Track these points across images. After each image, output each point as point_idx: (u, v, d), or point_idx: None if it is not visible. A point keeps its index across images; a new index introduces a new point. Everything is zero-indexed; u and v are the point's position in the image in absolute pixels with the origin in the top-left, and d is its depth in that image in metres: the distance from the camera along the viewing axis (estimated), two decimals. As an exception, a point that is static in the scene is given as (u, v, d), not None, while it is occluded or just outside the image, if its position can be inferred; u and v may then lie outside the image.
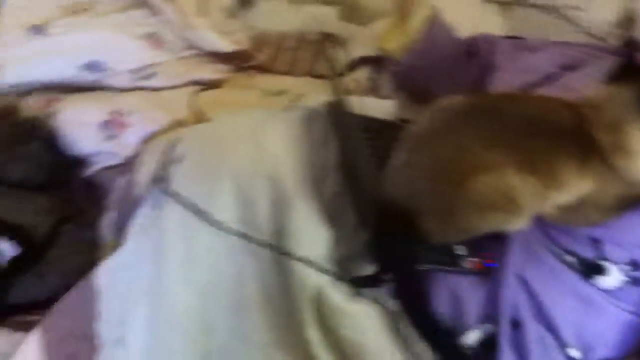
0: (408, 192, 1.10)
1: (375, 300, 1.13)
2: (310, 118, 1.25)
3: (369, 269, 1.14)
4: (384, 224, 1.07)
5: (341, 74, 1.33)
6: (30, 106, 1.63)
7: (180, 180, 1.17)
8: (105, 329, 1.15)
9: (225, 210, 1.13)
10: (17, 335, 1.27)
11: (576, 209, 1.09)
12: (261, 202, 1.13)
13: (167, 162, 1.22)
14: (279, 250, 1.12)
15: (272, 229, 1.13)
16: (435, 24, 1.64)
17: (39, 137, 1.52)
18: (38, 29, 1.65)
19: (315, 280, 1.09)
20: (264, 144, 1.17)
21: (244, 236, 1.13)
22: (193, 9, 1.73)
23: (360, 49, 1.77)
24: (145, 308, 1.14)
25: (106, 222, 1.43)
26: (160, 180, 1.19)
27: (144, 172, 1.32)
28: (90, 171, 1.57)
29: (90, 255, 1.41)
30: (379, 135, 1.28)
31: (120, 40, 1.67)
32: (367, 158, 1.09)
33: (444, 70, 1.58)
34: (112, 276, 1.17)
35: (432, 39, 1.61)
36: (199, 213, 1.13)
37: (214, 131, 1.25)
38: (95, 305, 1.17)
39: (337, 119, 1.23)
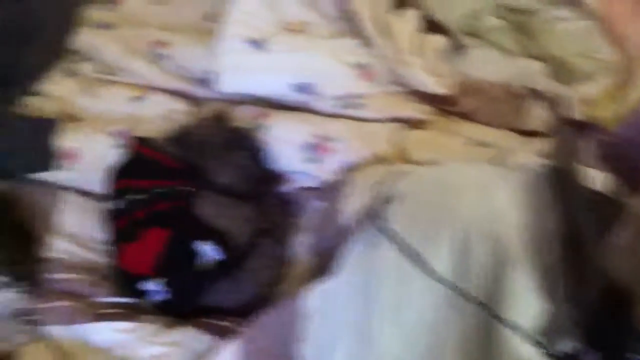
0: (630, 276, 1.06)
1: None
2: (536, 181, 1.22)
3: (568, 346, 1.10)
4: (599, 303, 1.03)
5: (567, 136, 1.31)
6: (241, 116, 1.70)
7: (399, 220, 1.17)
8: (309, 352, 1.16)
9: (441, 258, 1.12)
10: (207, 337, 1.31)
11: None
12: (479, 258, 1.11)
13: (383, 199, 1.23)
14: (489, 311, 1.10)
15: (485, 288, 1.11)
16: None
17: (248, 147, 1.58)
18: (258, 44, 1.71)
19: (523, 350, 1.06)
20: (492, 199, 1.15)
21: (454, 289, 1.11)
22: (408, 47, 1.76)
23: (564, 110, 1.74)
24: (349, 342, 1.14)
25: (300, 242, 1.47)
26: (375, 216, 1.20)
27: (353, 204, 1.34)
28: (286, 188, 1.61)
29: (279, 271, 1.46)
30: (595, 208, 1.24)
31: (332, 66, 1.71)
32: (591, 232, 1.06)
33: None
34: (322, 301, 1.19)
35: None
36: (414, 257, 1.12)
37: (441, 176, 1.24)
38: (300, 326, 1.19)
39: (561, 186, 1.21)
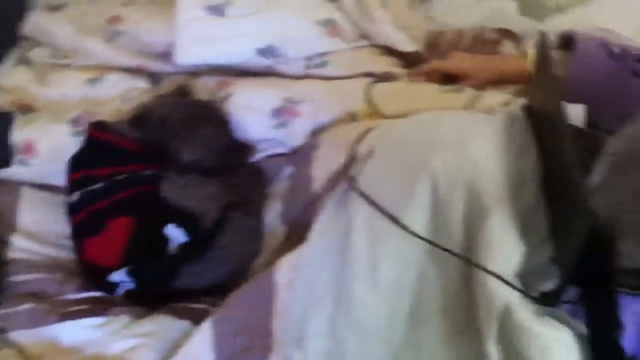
0: (609, 212, 1.00)
1: (562, 321, 1.03)
2: (510, 124, 1.16)
3: (550, 285, 1.04)
4: (581, 241, 0.97)
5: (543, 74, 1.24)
6: (203, 87, 1.62)
7: (370, 179, 1.11)
8: (283, 327, 1.10)
9: (417, 214, 1.06)
10: (183, 322, 1.25)
11: None
12: (455, 210, 1.06)
13: (354, 159, 1.16)
14: (468, 261, 1.04)
15: (463, 238, 1.06)
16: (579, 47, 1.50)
17: (213, 119, 1.50)
18: (217, 9, 1.62)
19: (504, 296, 1.00)
20: (466, 149, 1.08)
21: (432, 243, 1.05)
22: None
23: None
24: (327, 309, 1.08)
25: (272, 212, 1.40)
26: (346, 177, 1.13)
27: (324, 167, 1.27)
28: (256, 158, 1.54)
29: (254, 244, 1.39)
30: (576, 144, 1.18)
31: (297, 26, 1.63)
32: (571, 169, 0.99)
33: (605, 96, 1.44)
34: (294, 273, 1.13)
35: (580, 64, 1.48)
36: (388, 214, 1.06)
37: (412, 129, 1.18)
38: (274, 301, 1.13)
39: (538, 125, 1.14)
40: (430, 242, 1.05)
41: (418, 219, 1.06)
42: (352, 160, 1.16)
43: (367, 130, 1.23)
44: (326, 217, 1.13)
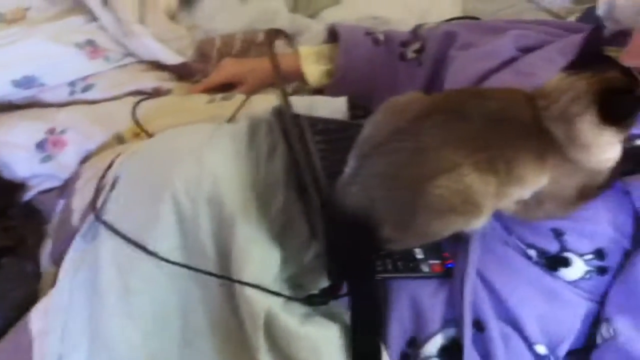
0: (363, 202, 1.01)
1: (333, 317, 1.05)
2: (255, 129, 1.16)
3: (322, 283, 1.06)
4: (337, 235, 0.98)
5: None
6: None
7: (114, 207, 1.08)
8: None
9: (164, 238, 1.04)
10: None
11: (536, 203, 1.03)
12: (203, 226, 1.05)
13: (102, 187, 1.12)
14: (224, 276, 1.03)
15: (217, 253, 1.05)
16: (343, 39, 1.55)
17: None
18: (-37, 46, 1.53)
19: (265, 304, 1.01)
20: (205, 164, 1.07)
21: (180, 264, 1.04)
22: (133, 14, 1.62)
23: (309, 44, 1.68)
24: (84, 350, 1.05)
25: (44, 252, 1.34)
26: (94, 207, 1.09)
27: (79, 199, 1.22)
28: (28, 196, 1.47)
29: (30, 288, 1.31)
30: (330, 139, 1.20)
31: (55, 51, 1.57)
32: (318, 165, 1.00)
33: (376, 82, 1.52)
34: (46, 320, 1.08)
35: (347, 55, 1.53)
36: (134, 243, 1.04)
37: (152, 151, 1.15)
38: (32, 351, 1.07)
39: (284, 125, 1.14)
40: (178, 264, 1.03)
41: (166, 242, 1.05)
42: (101, 188, 1.12)
43: (117, 156, 1.19)
44: (74, 254, 1.10)
